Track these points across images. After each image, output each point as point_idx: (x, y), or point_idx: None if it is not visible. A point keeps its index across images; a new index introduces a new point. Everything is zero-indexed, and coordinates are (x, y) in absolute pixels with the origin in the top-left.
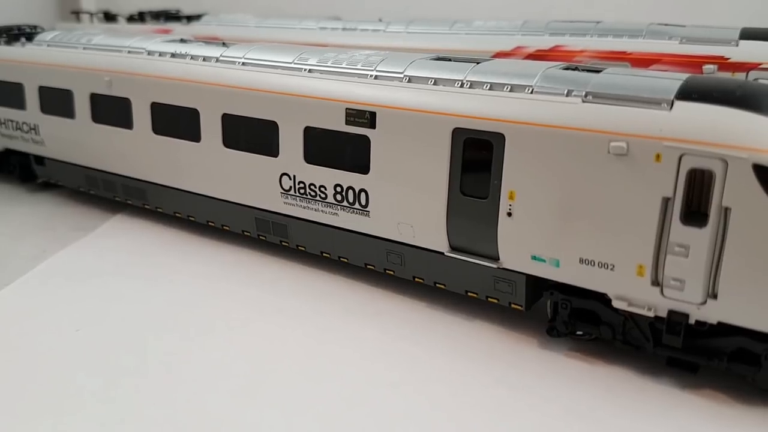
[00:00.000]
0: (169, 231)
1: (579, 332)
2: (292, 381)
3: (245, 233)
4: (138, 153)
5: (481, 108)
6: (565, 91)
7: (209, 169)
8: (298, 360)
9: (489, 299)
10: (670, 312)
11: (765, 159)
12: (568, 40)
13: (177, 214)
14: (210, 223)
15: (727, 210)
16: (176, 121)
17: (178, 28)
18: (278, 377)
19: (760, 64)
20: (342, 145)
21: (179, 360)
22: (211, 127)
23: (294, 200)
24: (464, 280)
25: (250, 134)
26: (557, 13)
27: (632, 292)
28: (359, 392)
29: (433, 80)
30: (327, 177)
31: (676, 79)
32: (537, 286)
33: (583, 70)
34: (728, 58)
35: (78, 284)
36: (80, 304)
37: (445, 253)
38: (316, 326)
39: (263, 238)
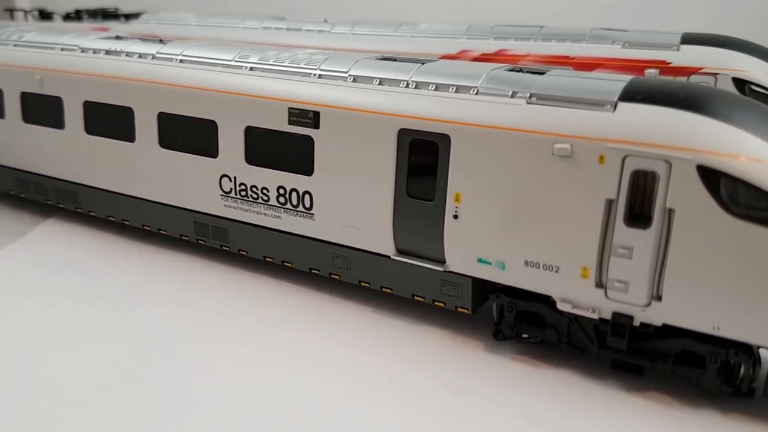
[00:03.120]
0: (103, 236)
1: (525, 335)
2: (232, 393)
3: (183, 237)
4: (70, 154)
5: (426, 109)
6: (510, 93)
7: (144, 170)
8: (239, 369)
9: (436, 303)
10: (615, 314)
11: (709, 160)
12: (513, 44)
13: (111, 218)
14: (146, 228)
15: (670, 211)
16: (110, 121)
17: (116, 27)
18: (215, 388)
19: (701, 69)
20: (285, 146)
21: (106, 371)
22: (146, 127)
23: (235, 203)
24: (411, 284)
25: (188, 134)
26: (502, 16)
27: (577, 294)
28: (304, 400)
29: (378, 80)
30: (269, 178)
31: (619, 80)
32: (483, 289)
33: (527, 71)
34: (670, 63)
35: (6, 293)
36: (7, 315)
37: (392, 257)
38: (258, 333)
39: (202, 242)
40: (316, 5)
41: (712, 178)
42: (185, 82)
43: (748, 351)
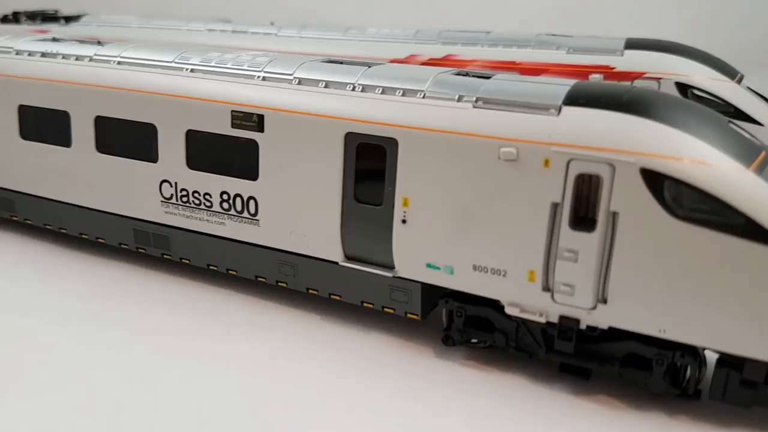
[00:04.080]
0: (40, 245)
1: (474, 340)
2: (177, 405)
3: (123, 246)
4: (5, 160)
5: (373, 112)
6: (457, 96)
7: (81, 176)
8: (180, 383)
9: (385, 309)
10: (562, 317)
11: (652, 163)
12: (460, 50)
13: (48, 227)
14: (83, 236)
15: (615, 214)
16: (45, 125)
17: (56, 29)
18: (159, 403)
19: (644, 74)
20: (228, 150)
21: (38, 388)
22: (83, 131)
23: (176, 209)
24: (360, 290)
25: (127, 138)
26: (450, 21)
27: (524, 298)
28: (249, 412)
29: (324, 83)
30: (212, 184)
31: (563, 84)
32: (433, 294)
33: (473, 75)
34: (614, 68)
35: None
36: None
37: (340, 263)
38: (201, 345)
39: (143, 251)
40: (262, 7)
41: (656, 180)
42: (123, 85)
43: (694, 353)
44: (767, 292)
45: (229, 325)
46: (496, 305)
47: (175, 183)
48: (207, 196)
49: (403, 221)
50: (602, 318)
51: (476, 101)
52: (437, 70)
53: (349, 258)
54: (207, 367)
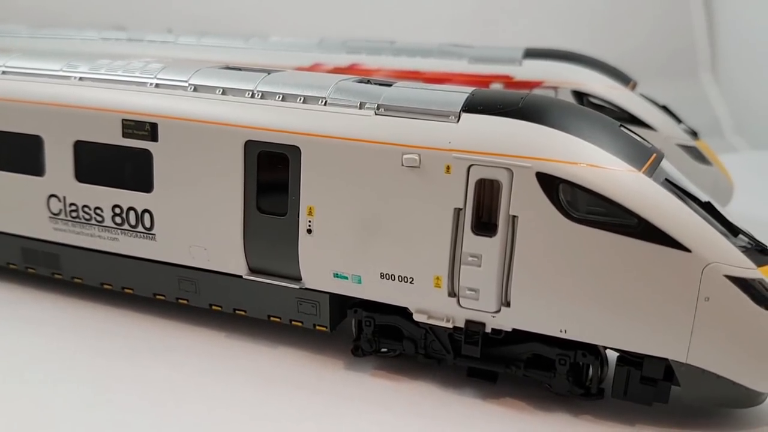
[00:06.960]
0: None
1: (384, 349)
2: None
3: (11, 266)
4: None
5: (274, 120)
6: (358, 104)
7: None
8: (71, 414)
9: (293, 323)
10: (468, 322)
11: (547, 167)
12: (365, 59)
13: None
14: None
15: (514, 218)
16: None
17: None
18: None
19: (542, 83)
20: (120, 161)
21: None
22: None
23: (66, 225)
24: (266, 304)
25: (11, 151)
26: (354, 29)
27: (431, 304)
28: None
29: (221, 90)
30: (103, 197)
31: (462, 92)
32: (341, 305)
33: (375, 83)
34: (513, 77)
35: None
36: None
37: (244, 277)
38: (94, 370)
39: (32, 270)
40: (161, 14)
41: (551, 184)
42: (7, 95)
43: (596, 352)
44: (660, 290)
45: (127, 346)
46: (404, 313)
47: (64, 197)
48: (98, 211)
49: (309, 231)
50: (506, 321)
51: (378, 108)
52: (339, 77)
53: (253, 271)
54: (104, 393)
